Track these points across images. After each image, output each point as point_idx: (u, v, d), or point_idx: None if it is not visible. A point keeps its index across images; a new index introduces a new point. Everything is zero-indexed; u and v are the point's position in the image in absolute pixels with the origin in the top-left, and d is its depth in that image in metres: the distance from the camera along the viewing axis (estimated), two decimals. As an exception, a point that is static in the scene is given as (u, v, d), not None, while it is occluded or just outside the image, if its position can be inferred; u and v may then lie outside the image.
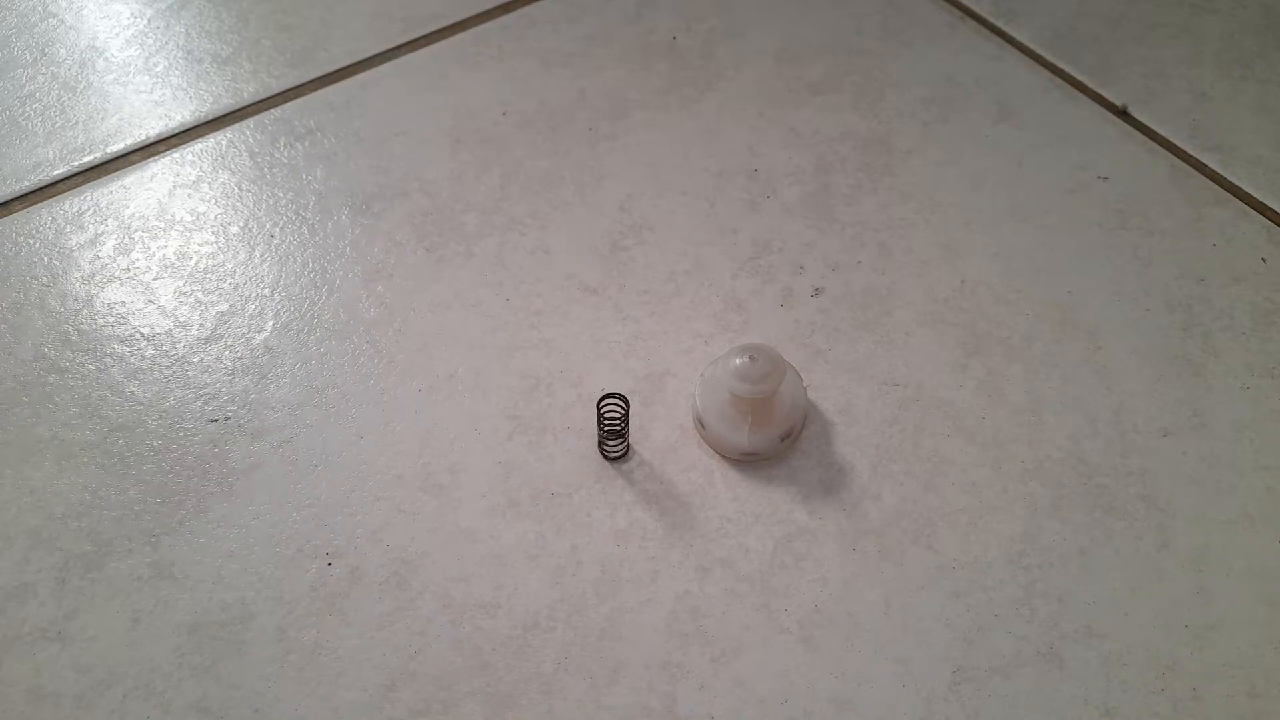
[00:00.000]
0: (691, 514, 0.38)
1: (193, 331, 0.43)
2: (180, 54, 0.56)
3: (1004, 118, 0.52)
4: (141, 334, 0.43)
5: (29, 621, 0.35)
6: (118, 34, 0.57)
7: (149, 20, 0.58)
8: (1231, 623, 0.35)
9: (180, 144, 0.51)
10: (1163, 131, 0.51)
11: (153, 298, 0.45)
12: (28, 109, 0.53)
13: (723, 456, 0.39)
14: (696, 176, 0.50)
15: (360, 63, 0.55)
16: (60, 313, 0.44)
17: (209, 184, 0.49)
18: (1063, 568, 0.36)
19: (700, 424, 0.39)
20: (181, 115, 0.53)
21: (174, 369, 0.42)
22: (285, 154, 0.51)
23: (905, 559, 0.37)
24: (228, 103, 0.53)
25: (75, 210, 0.48)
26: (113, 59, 0.56)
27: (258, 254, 0.46)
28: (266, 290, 0.45)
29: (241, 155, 0.51)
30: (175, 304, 0.44)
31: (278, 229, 0.47)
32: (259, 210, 0.48)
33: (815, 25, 0.57)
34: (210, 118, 0.53)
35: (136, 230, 0.47)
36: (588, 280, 0.45)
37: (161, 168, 0.50)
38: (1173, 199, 0.48)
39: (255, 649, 0.35)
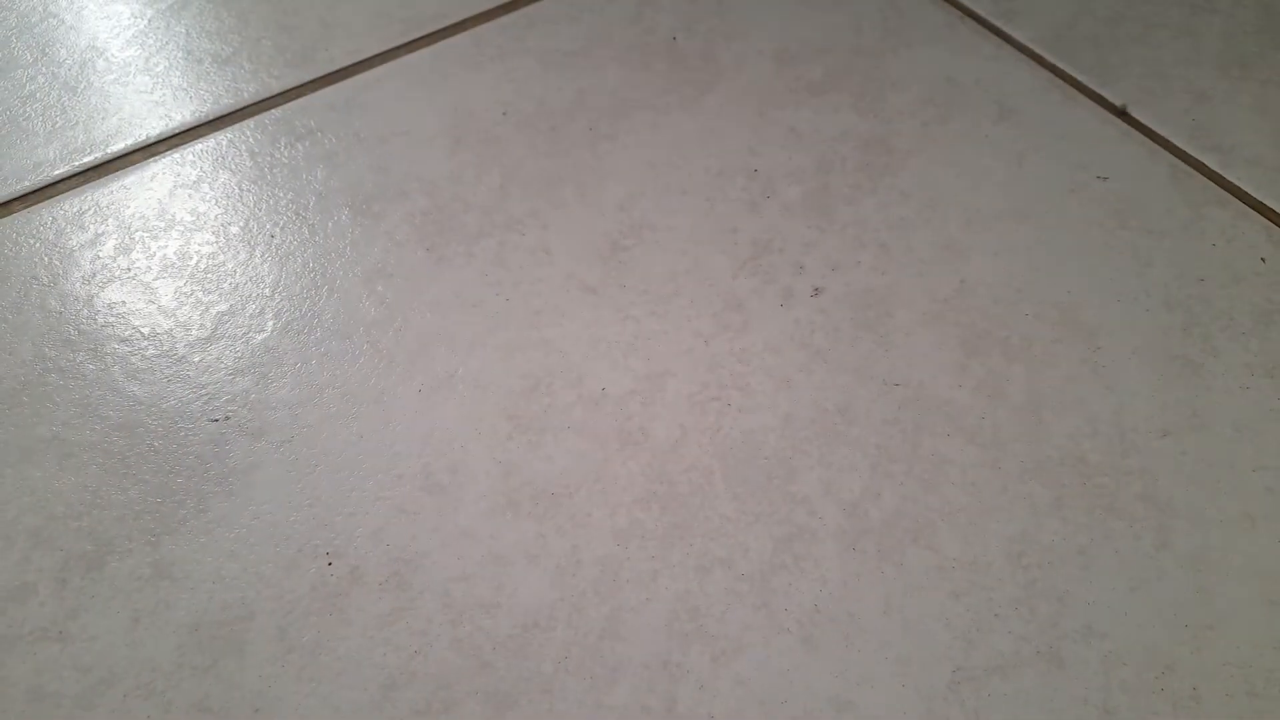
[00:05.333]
0: (691, 514, 0.38)
1: (193, 331, 0.44)
2: (180, 54, 0.56)
3: (1004, 118, 0.52)
4: (142, 334, 0.43)
5: (29, 621, 0.35)
6: (118, 34, 0.57)
7: (149, 20, 0.58)
8: (1231, 623, 0.35)
9: (180, 144, 0.51)
10: (1162, 131, 0.51)
11: (153, 298, 0.45)
12: (28, 109, 0.53)
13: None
14: (696, 176, 0.50)
15: (360, 63, 0.55)
16: (61, 313, 0.44)
17: (209, 184, 0.49)
18: (1063, 568, 0.36)
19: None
20: (182, 115, 0.53)
21: (174, 369, 0.42)
22: (285, 154, 0.51)
23: (905, 559, 0.37)
24: (228, 103, 0.53)
25: (76, 210, 0.48)
26: (113, 59, 0.56)
27: (258, 254, 0.47)
28: (267, 290, 0.45)
29: (242, 155, 0.51)
30: (176, 304, 0.45)
31: (278, 229, 0.47)
32: (259, 210, 0.48)
33: (815, 25, 0.57)
34: (210, 118, 0.53)
35: (137, 230, 0.47)
36: (588, 280, 0.45)
37: (162, 168, 0.50)
38: (1173, 199, 0.48)
39: (256, 649, 0.35)
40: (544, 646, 0.35)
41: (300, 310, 0.44)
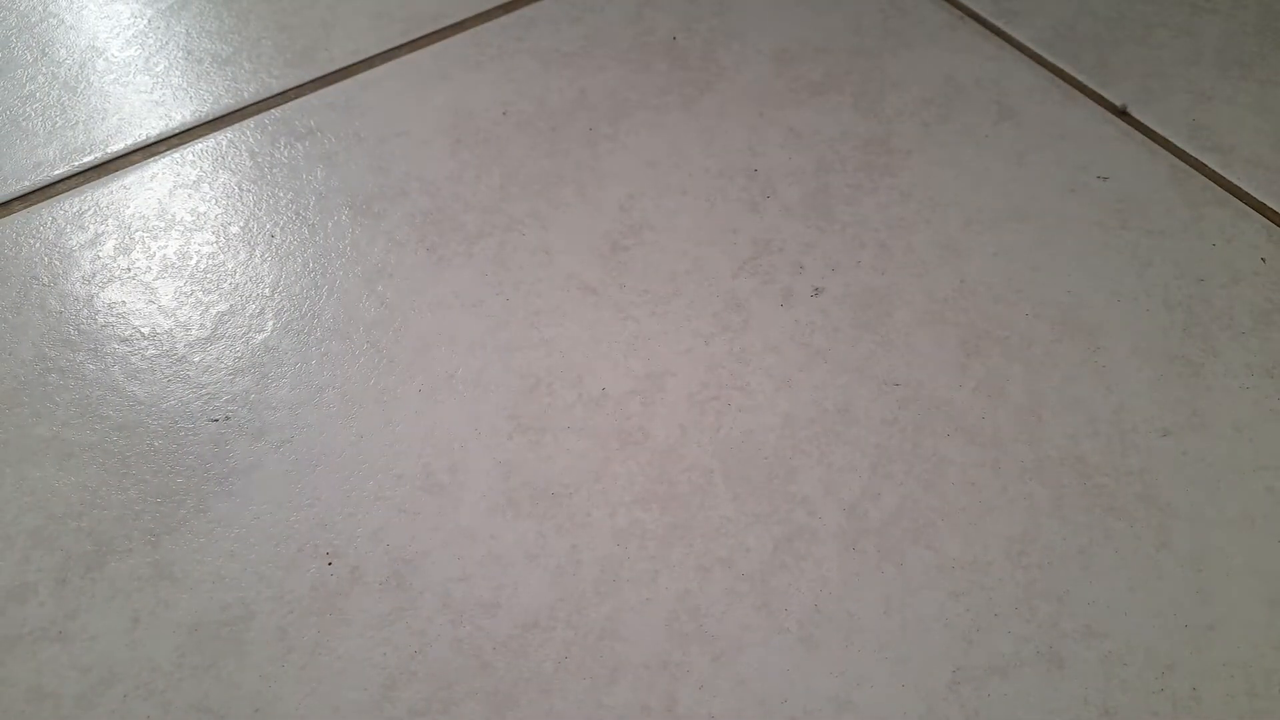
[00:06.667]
0: (691, 514, 0.38)
1: (193, 331, 0.44)
2: (180, 54, 0.56)
3: (1004, 118, 0.52)
4: (142, 334, 0.43)
5: (29, 621, 0.35)
6: (118, 34, 0.57)
7: (149, 20, 0.58)
8: (1231, 623, 0.35)
9: (180, 144, 0.51)
10: (1163, 131, 0.51)
11: (153, 297, 0.45)
12: (28, 109, 0.53)
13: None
14: (696, 176, 0.50)
15: (360, 63, 0.55)
16: (61, 313, 0.44)
17: (209, 184, 0.49)
18: (1063, 568, 0.36)
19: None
20: (182, 115, 0.53)
21: (174, 369, 0.42)
22: (285, 154, 0.51)
23: (905, 559, 0.37)
24: (228, 103, 0.53)
25: (75, 210, 0.48)
26: (113, 59, 0.56)
27: (258, 254, 0.47)
28: (267, 290, 0.45)
29: (242, 155, 0.51)
30: (176, 304, 0.45)
31: (278, 229, 0.47)
32: (259, 210, 0.48)
33: (815, 25, 0.57)
34: (210, 118, 0.53)
35: (137, 230, 0.47)
36: (588, 280, 0.45)
37: (162, 168, 0.50)
38: (1173, 199, 0.48)
39: (256, 649, 0.35)
40: (544, 646, 0.35)
41: (300, 310, 0.44)
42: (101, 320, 0.44)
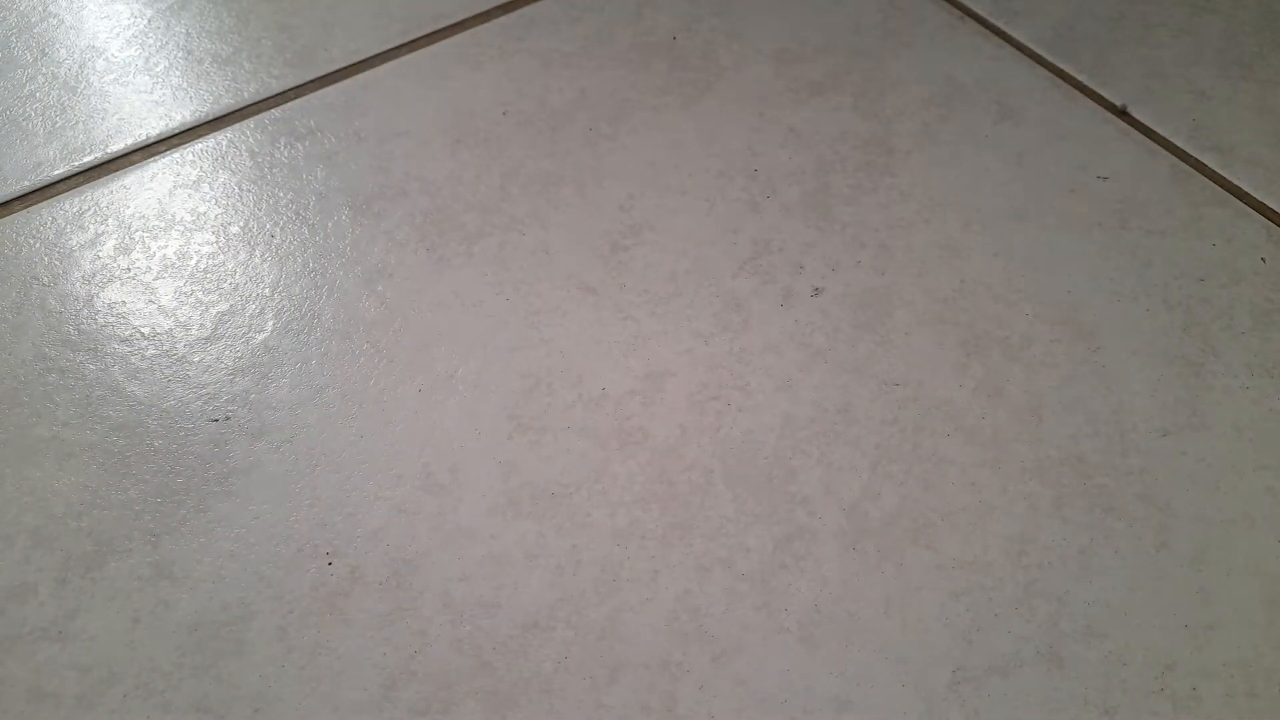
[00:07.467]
0: (691, 514, 0.38)
1: (193, 331, 0.44)
2: (180, 54, 0.56)
3: (1004, 118, 0.52)
4: (142, 334, 0.43)
5: (29, 621, 0.35)
6: (118, 34, 0.57)
7: (149, 20, 0.58)
8: (1231, 623, 0.35)
9: (180, 144, 0.51)
10: (1163, 131, 0.51)
11: (153, 297, 0.45)
12: (28, 109, 0.53)
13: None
14: (696, 176, 0.50)
15: (360, 63, 0.55)
16: (60, 313, 0.44)
17: (209, 184, 0.49)
18: (1063, 568, 0.36)
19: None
20: (182, 115, 0.53)
21: (174, 369, 0.42)
22: (285, 154, 0.51)
23: (905, 559, 0.37)
24: (228, 103, 0.53)
25: (75, 210, 0.48)
26: (113, 59, 0.56)
27: (258, 254, 0.47)
28: (267, 290, 0.45)
29: (242, 155, 0.51)
30: (176, 304, 0.45)
31: (278, 229, 0.47)
32: (259, 210, 0.48)
33: (815, 25, 0.57)
34: (210, 118, 0.53)
35: (137, 230, 0.47)
36: (588, 280, 0.45)
37: (162, 168, 0.50)
38: (1173, 199, 0.48)
39: (256, 649, 0.35)
40: (544, 646, 0.35)
41: (300, 310, 0.44)
42: (101, 320, 0.44)
